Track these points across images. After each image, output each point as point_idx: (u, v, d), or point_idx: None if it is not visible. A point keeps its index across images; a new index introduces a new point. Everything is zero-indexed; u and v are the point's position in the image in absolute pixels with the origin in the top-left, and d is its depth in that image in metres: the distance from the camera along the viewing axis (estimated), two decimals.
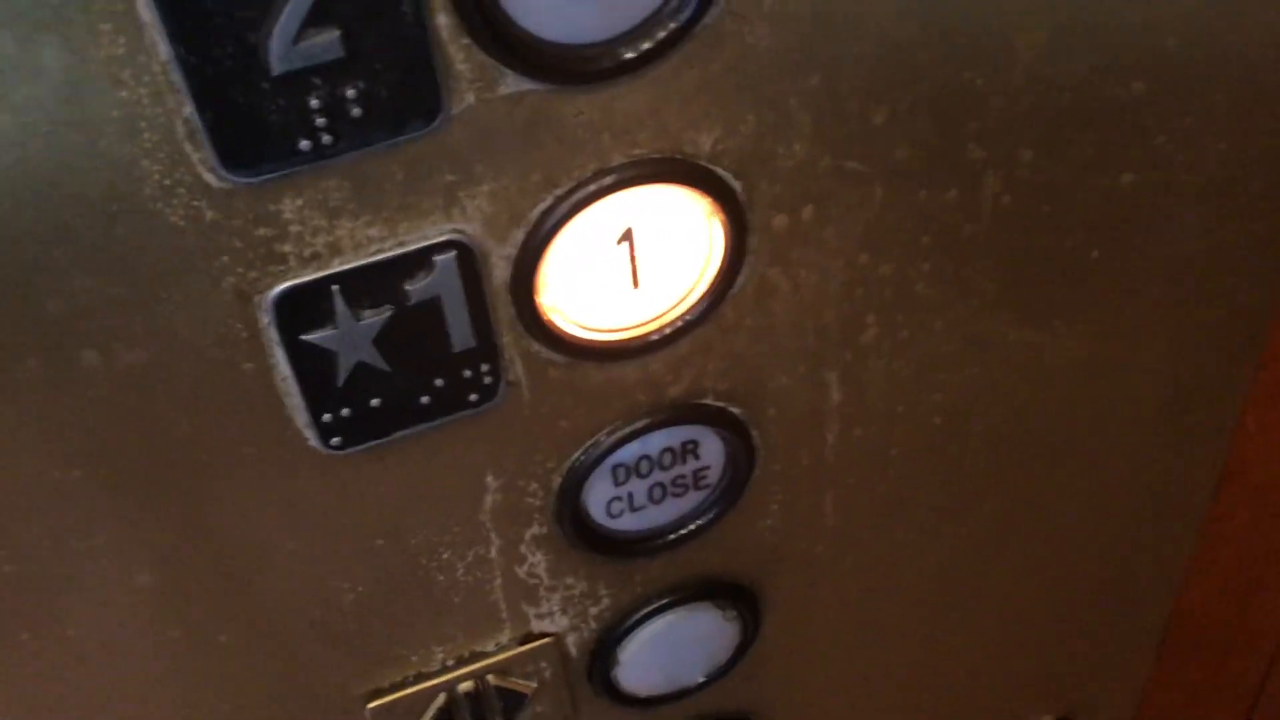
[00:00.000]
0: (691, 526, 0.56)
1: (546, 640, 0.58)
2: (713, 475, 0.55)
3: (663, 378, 0.50)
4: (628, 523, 0.55)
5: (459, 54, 0.37)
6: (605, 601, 0.58)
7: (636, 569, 0.58)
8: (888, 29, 0.41)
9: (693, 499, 0.56)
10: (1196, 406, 0.63)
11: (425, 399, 0.45)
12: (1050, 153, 0.48)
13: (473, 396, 0.46)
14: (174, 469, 0.44)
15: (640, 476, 0.53)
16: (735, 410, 0.52)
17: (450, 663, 0.57)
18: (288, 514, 0.47)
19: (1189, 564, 0.75)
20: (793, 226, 0.46)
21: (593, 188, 0.42)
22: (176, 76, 0.34)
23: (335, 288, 0.41)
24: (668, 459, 0.53)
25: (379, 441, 0.46)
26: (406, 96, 0.36)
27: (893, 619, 0.68)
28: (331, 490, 0.47)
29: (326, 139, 0.36)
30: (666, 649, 0.62)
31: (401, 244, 0.41)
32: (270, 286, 0.40)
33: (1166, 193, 0.51)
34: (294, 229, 0.39)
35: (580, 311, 0.46)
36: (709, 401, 0.51)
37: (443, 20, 0.36)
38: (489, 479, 0.50)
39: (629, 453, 0.52)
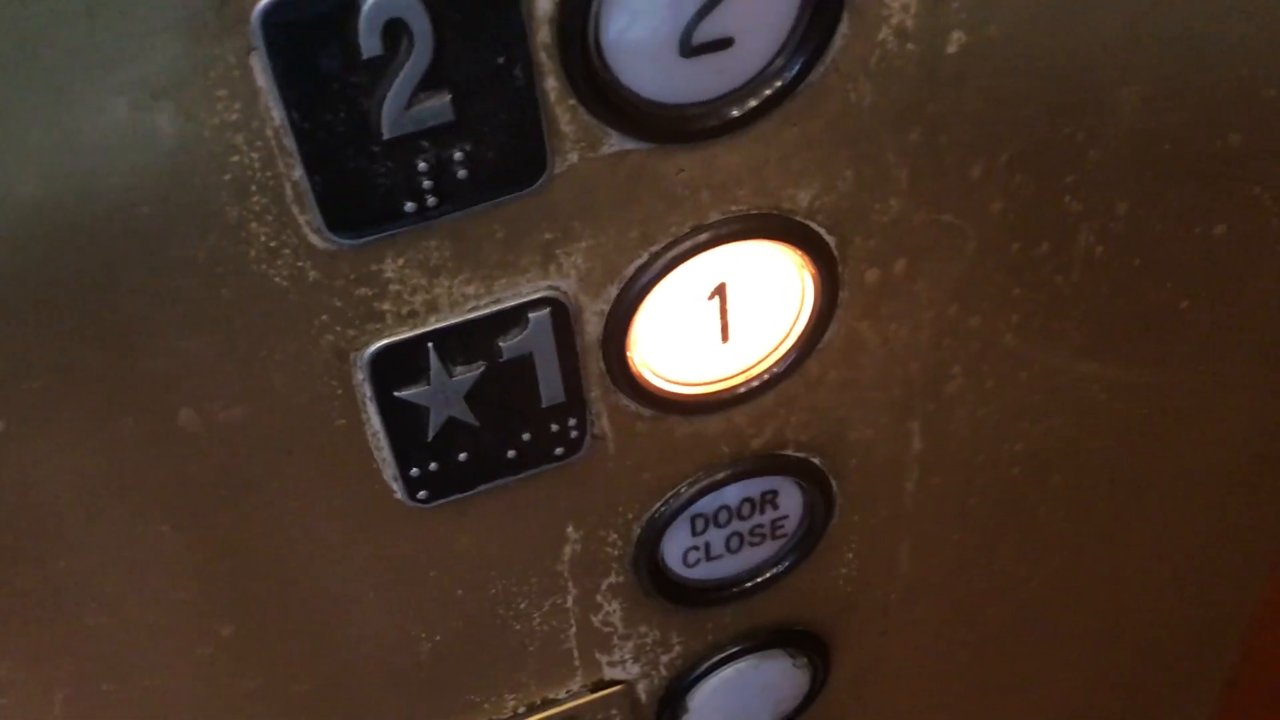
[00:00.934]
0: (767, 575, 0.56)
1: (618, 688, 0.58)
2: (790, 525, 0.54)
3: (745, 430, 0.49)
4: (703, 572, 0.55)
5: (565, 115, 0.36)
6: (677, 649, 0.58)
7: (709, 617, 0.57)
8: (991, 84, 0.41)
9: (769, 548, 0.55)
10: (1277, 456, 0.62)
11: (512, 453, 0.45)
12: (1145, 204, 0.47)
13: (559, 450, 0.46)
14: (261, 521, 0.44)
15: (718, 526, 0.53)
16: (816, 461, 0.52)
17: (522, 710, 0.57)
18: (371, 566, 0.47)
19: (1257, 612, 0.73)
20: (884, 280, 0.46)
21: (688, 244, 0.41)
22: (289, 141, 0.33)
23: (430, 345, 0.40)
24: (746, 509, 0.53)
25: (464, 495, 0.45)
26: (512, 158, 0.36)
27: (962, 666, 0.67)
28: (415, 542, 0.47)
29: (431, 200, 0.36)
30: (735, 696, 0.61)
31: (497, 301, 0.40)
32: (367, 344, 0.40)
33: (1259, 243, 0.51)
34: (393, 288, 0.38)
35: (669, 366, 0.45)
36: (790, 452, 0.51)
37: (551, 83, 0.35)
38: (570, 530, 0.50)
39: (708, 503, 0.51)
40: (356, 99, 0.33)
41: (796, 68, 0.37)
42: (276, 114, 0.33)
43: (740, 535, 0.54)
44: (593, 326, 0.43)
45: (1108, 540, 0.63)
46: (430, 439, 0.43)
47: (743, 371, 0.47)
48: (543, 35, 0.34)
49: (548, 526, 0.49)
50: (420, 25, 0.32)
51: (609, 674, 0.57)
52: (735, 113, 0.38)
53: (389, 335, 0.40)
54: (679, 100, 0.37)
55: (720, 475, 0.50)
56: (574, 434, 0.45)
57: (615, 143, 0.38)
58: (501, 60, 0.34)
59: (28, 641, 0.44)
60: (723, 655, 0.59)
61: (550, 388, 0.43)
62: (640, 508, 0.50)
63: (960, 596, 0.62)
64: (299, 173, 0.34)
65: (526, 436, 0.45)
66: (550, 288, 0.41)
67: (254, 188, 0.34)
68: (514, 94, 0.35)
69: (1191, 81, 0.44)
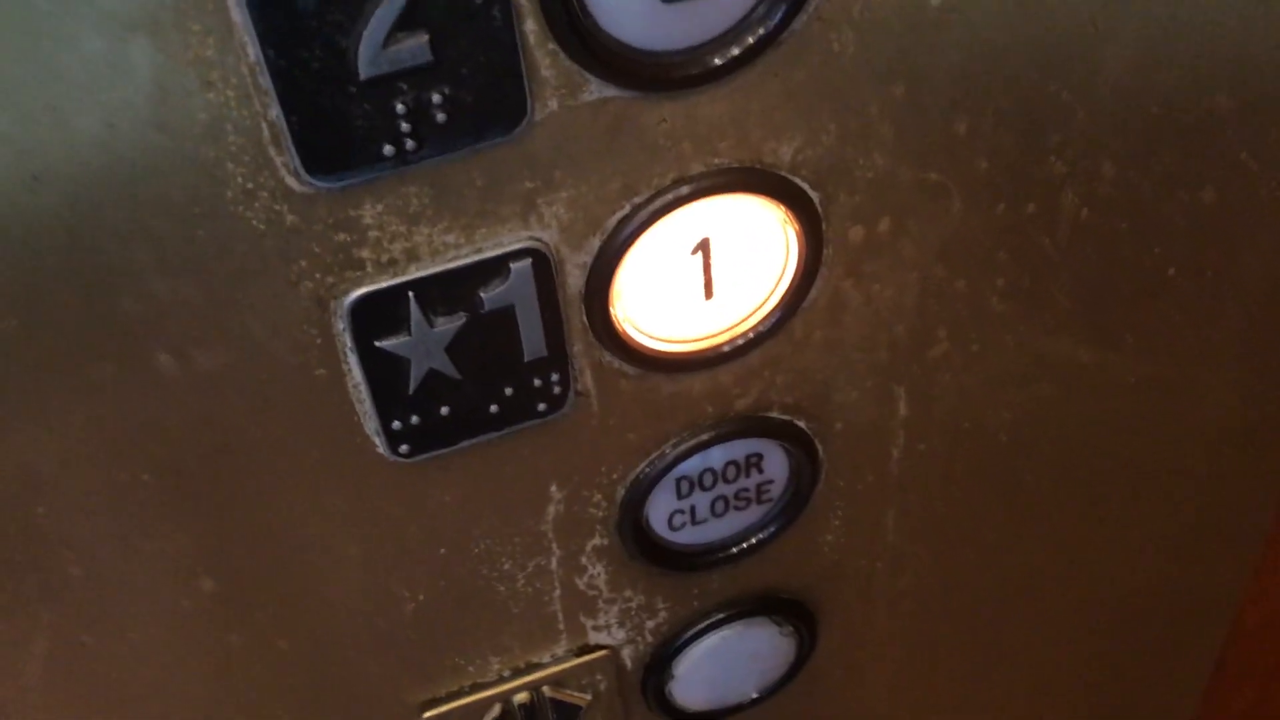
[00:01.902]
0: (752, 541, 0.56)
1: (603, 653, 0.57)
2: (776, 489, 0.54)
3: (730, 390, 0.49)
4: (688, 536, 0.54)
5: (545, 60, 0.36)
6: (662, 615, 0.58)
7: (694, 582, 0.57)
8: (977, 38, 0.40)
9: (755, 513, 0.55)
10: (1265, 427, 0.61)
11: (494, 408, 0.45)
12: (1132, 167, 0.47)
13: (541, 406, 0.45)
14: (241, 474, 0.44)
15: (703, 489, 0.53)
16: (801, 423, 0.51)
17: (506, 673, 0.56)
18: (353, 521, 0.47)
19: (1247, 587, 0.73)
20: (869, 238, 0.45)
21: (670, 196, 0.41)
22: (264, 79, 0.33)
23: (411, 294, 0.40)
24: (731, 472, 0.53)
25: (446, 450, 0.45)
26: (492, 102, 0.36)
27: (948, 636, 0.67)
28: (397, 498, 0.47)
29: (410, 145, 0.36)
30: (721, 664, 0.61)
31: (478, 251, 0.40)
32: (347, 292, 0.39)
33: (1247, 210, 0.50)
34: (373, 234, 0.38)
35: (652, 322, 0.45)
36: (775, 414, 0.51)
37: (530, 26, 0.35)
38: (553, 489, 0.50)
39: (693, 465, 0.51)
40: (333, 36, 0.33)
41: (779, 14, 0.37)
42: (251, 50, 0.33)
43: (725, 499, 0.54)
44: (575, 279, 0.42)
45: (1095, 511, 0.63)
46: (411, 391, 0.43)
47: (727, 329, 0.46)
48: None
49: (531, 485, 0.49)
50: None
51: (594, 638, 0.57)
52: (717, 60, 0.38)
53: (369, 283, 0.40)
54: (661, 47, 0.37)
55: (705, 436, 0.50)
56: (557, 390, 0.45)
57: (596, 90, 0.37)
58: (479, 0, 0.34)
59: (4, 591, 0.44)
60: (709, 622, 0.59)
61: (532, 341, 0.43)
62: (625, 468, 0.50)
63: (946, 566, 0.62)
64: (275, 112, 0.34)
65: (509, 391, 0.44)
66: (531, 238, 0.40)
67: (229, 127, 0.34)
68: (493, 36, 0.35)
69: (1181, 41, 0.44)
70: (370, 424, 0.44)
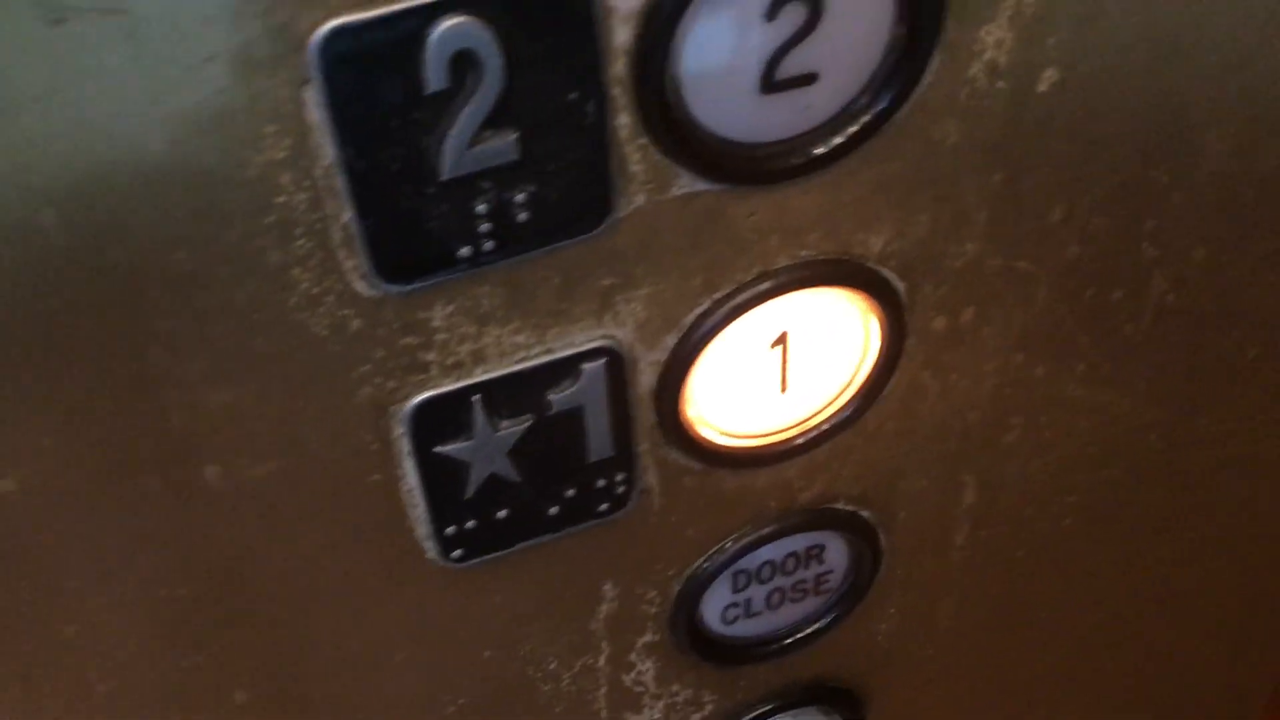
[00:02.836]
0: (806, 632, 0.53)
1: None
2: (834, 580, 0.52)
3: (795, 483, 0.46)
4: (742, 629, 0.52)
5: (634, 155, 0.33)
6: (709, 708, 0.55)
7: (742, 674, 0.54)
8: (1080, 125, 0.38)
9: (811, 604, 0.52)
10: None
11: (554, 509, 0.42)
12: (1223, 251, 0.45)
13: (603, 506, 0.43)
14: (284, 583, 0.41)
15: (760, 583, 0.50)
16: (866, 514, 0.49)
17: None
18: (397, 628, 0.44)
19: None
20: (951, 328, 0.43)
21: (753, 292, 0.38)
22: (339, 181, 0.30)
23: (476, 398, 0.37)
24: (791, 564, 0.50)
25: (501, 554, 0.42)
26: (577, 200, 0.33)
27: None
28: (445, 603, 0.44)
29: (488, 245, 0.33)
30: None
31: (549, 351, 0.37)
32: (408, 397, 0.36)
33: None
34: (440, 337, 0.35)
35: (723, 417, 0.42)
36: (840, 506, 0.48)
37: (623, 120, 0.32)
38: (607, 588, 0.47)
39: (752, 559, 0.48)
40: (416, 136, 0.30)
41: (883, 105, 0.35)
42: (328, 152, 0.30)
43: (782, 591, 0.51)
44: (647, 378, 0.40)
45: (1153, 592, 0.60)
46: (469, 496, 0.40)
47: (800, 423, 0.44)
48: (617, 69, 0.31)
49: (585, 584, 0.46)
50: (491, 57, 0.29)
51: None
52: (815, 152, 0.35)
53: (432, 387, 0.37)
54: (757, 139, 0.34)
55: (766, 530, 0.47)
56: (620, 490, 0.42)
57: (686, 184, 0.35)
58: (573, 96, 0.31)
59: (29, 711, 0.40)
60: (755, 713, 0.56)
61: (599, 442, 0.40)
62: (682, 564, 0.47)
63: (999, 649, 0.60)
64: (348, 215, 0.31)
65: (570, 493, 0.42)
66: (605, 337, 0.38)
67: (299, 231, 0.31)
68: (584, 131, 0.32)
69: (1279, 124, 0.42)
70: (422, 529, 0.41)
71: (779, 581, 0.50)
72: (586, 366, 0.38)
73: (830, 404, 0.44)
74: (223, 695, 0.43)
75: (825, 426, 0.44)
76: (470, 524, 0.41)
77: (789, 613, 0.52)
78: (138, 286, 0.30)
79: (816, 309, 0.41)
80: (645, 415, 0.41)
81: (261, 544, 0.39)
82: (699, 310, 0.38)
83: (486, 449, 0.39)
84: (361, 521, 0.40)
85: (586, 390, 0.38)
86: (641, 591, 0.48)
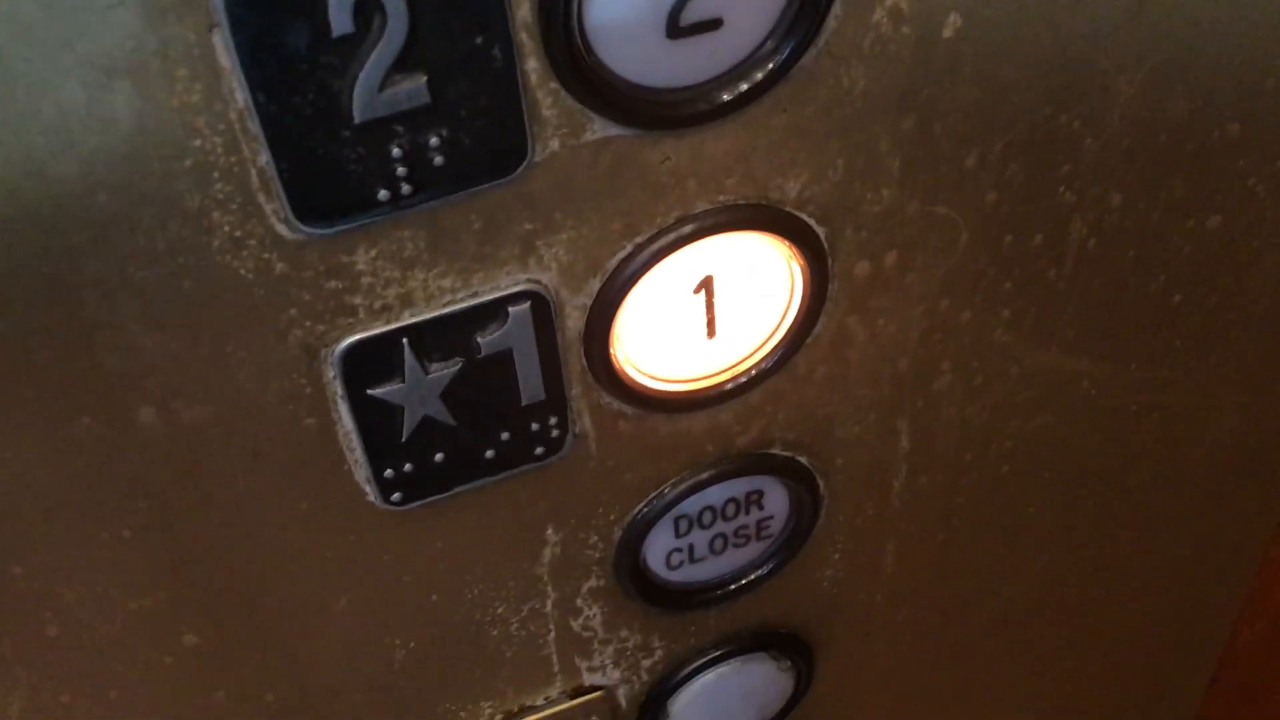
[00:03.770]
0: (751, 577, 0.54)
1: (598, 694, 0.56)
2: (776, 525, 0.53)
3: (731, 428, 0.48)
4: (686, 574, 0.53)
5: (546, 99, 0.35)
6: (658, 653, 0.56)
7: (691, 620, 0.56)
8: (988, 70, 0.39)
9: (754, 549, 0.53)
10: (1266, 451, 0.61)
11: (490, 453, 0.43)
12: (1140, 196, 0.46)
13: (539, 450, 0.44)
14: (226, 526, 0.42)
15: (702, 528, 0.51)
16: (803, 460, 0.50)
17: (499, 718, 0.55)
18: (342, 571, 0.45)
19: (1241, 607, 0.73)
20: (874, 273, 0.44)
21: (673, 236, 0.40)
22: (254, 124, 0.31)
23: (405, 340, 0.38)
24: (731, 509, 0.51)
25: (440, 497, 0.44)
26: (491, 144, 0.34)
27: (946, 668, 0.66)
28: (388, 546, 0.45)
29: (406, 189, 0.34)
30: (718, 701, 0.60)
31: (475, 295, 0.38)
32: (338, 340, 0.38)
33: (1253, 236, 0.49)
34: (365, 280, 0.37)
35: (652, 362, 0.44)
36: (776, 451, 0.49)
37: (532, 65, 0.34)
38: (549, 532, 0.48)
39: (692, 504, 0.50)
40: (326, 80, 0.31)
41: (788, 50, 0.36)
42: (240, 96, 0.31)
43: (724, 536, 0.52)
44: (574, 321, 0.41)
45: (1094, 537, 0.62)
46: (405, 439, 0.41)
47: (730, 367, 0.45)
48: (523, 14, 0.32)
49: (526, 528, 0.47)
50: (394, 2, 0.30)
51: (588, 680, 0.55)
52: (724, 97, 0.36)
53: (361, 330, 0.38)
54: (665, 84, 0.36)
55: (705, 475, 0.48)
56: (555, 433, 0.44)
57: (599, 129, 0.36)
58: (480, 40, 0.32)
59: None
60: (705, 659, 0.57)
61: (530, 385, 0.42)
62: (622, 509, 0.48)
63: (945, 596, 0.61)
64: (265, 158, 0.32)
65: (505, 436, 0.43)
66: (530, 281, 0.39)
67: (216, 174, 0.32)
68: (493, 76, 0.33)
69: (1192, 70, 0.43)
70: (361, 472, 0.42)
71: (720, 527, 0.52)
72: (513, 309, 0.39)
73: (758, 349, 0.45)
74: (173, 637, 0.45)
75: (754, 371, 0.45)
76: (407, 467, 0.42)
77: (732, 558, 0.53)
78: (61, 229, 0.32)
79: (740, 254, 0.42)
80: (575, 359, 0.42)
81: (200, 486, 0.40)
82: (621, 254, 0.40)
83: (418, 391, 0.40)
84: (301, 465, 0.41)
85: (514, 333, 0.40)
86: (584, 536, 0.49)
